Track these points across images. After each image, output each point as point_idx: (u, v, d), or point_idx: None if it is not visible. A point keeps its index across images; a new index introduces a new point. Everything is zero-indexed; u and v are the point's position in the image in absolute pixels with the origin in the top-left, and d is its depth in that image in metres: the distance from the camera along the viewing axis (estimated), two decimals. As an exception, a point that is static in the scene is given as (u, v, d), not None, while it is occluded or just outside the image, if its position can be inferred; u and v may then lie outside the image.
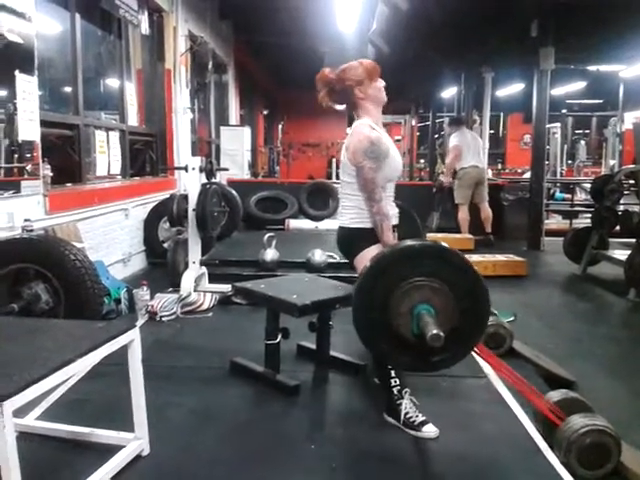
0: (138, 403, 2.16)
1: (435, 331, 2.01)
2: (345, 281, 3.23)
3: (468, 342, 2.26)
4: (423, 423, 2.41)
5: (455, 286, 2.16)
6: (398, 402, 2.46)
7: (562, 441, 2.18)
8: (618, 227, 5.97)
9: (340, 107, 2.80)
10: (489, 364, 2.64)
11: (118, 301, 4.05)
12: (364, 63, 2.70)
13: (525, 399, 2.52)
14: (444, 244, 2.33)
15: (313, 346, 3.22)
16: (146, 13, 6.00)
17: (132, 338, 2.09)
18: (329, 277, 3.57)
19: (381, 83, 2.71)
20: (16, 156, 3.81)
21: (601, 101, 16.79)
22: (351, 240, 2.69)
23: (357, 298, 2.23)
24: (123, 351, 2.08)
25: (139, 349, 2.14)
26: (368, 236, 2.61)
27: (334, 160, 18.11)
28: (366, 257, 2.53)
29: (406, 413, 2.44)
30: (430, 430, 2.39)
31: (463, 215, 7.55)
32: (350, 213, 2.67)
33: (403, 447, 2.34)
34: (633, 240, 5.50)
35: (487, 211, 7.64)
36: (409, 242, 2.31)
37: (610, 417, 2.29)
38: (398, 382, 2.49)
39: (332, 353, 3.19)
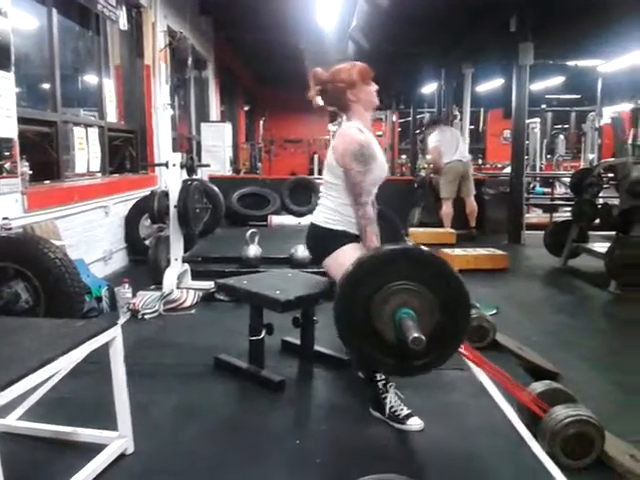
0: (121, 401, 2.13)
1: (416, 334, 2.01)
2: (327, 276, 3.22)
3: (452, 343, 2.26)
4: (408, 416, 2.42)
5: (435, 288, 2.16)
6: (383, 396, 2.47)
7: (546, 431, 2.20)
8: (598, 220, 6.04)
9: (330, 108, 2.79)
10: (470, 360, 2.65)
11: (99, 299, 4.01)
12: (357, 65, 2.70)
13: (508, 392, 2.53)
14: (422, 247, 2.33)
15: (297, 341, 3.21)
16: (124, 8, 5.93)
17: (114, 336, 2.07)
18: (312, 272, 3.56)
19: (373, 87, 2.71)
20: (-7, 154, 3.75)
21: (579, 96, 16.96)
22: (322, 240, 2.69)
23: (338, 304, 2.21)
24: (105, 349, 2.06)
25: (121, 347, 2.11)
26: (339, 238, 2.62)
27: (316, 156, 18.13)
28: (337, 258, 2.58)
29: (391, 407, 2.45)
30: (415, 423, 2.40)
31: (447, 210, 7.59)
32: (326, 213, 2.67)
33: (389, 440, 2.35)
34: (612, 233, 5.57)
35: (473, 205, 7.68)
36: (387, 247, 2.32)
37: (593, 407, 2.31)
38: (382, 376, 2.50)
39: (316, 348, 3.18)
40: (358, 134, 2.58)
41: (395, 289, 2.14)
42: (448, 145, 7.61)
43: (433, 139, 7.73)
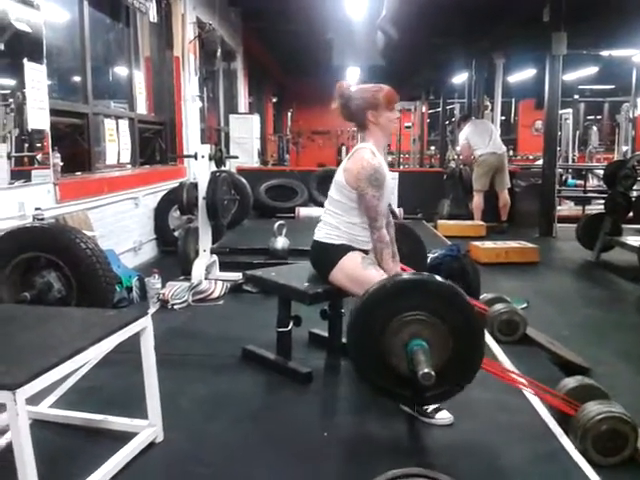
0: (151, 390, 2.16)
1: (426, 370, 2.00)
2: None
3: (467, 372, 2.24)
4: (436, 410, 2.40)
5: (447, 317, 2.15)
6: None
7: (578, 428, 2.16)
8: (631, 213, 5.91)
9: (349, 122, 2.82)
10: (493, 374, 2.60)
11: (130, 289, 4.06)
12: (384, 89, 2.71)
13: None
14: (436, 277, 2.30)
15: (325, 333, 3.21)
16: (154, 0, 5.96)
17: (144, 325, 2.09)
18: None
19: (396, 114, 2.73)
20: (26, 145, 3.80)
21: (613, 86, 16.57)
22: (324, 255, 2.73)
23: (353, 324, 2.22)
24: (135, 339, 2.08)
25: (152, 337, 2.13)
26: (340, 250, 2.67)
27: (344, 148, 18.06)
28: (343, 268, 2.64)
29: (420, 401, 2.43)
30: (444, 417, 2.38)
31: (478, 202, 7.49)
32: (328, 229, 2.73)
33: (416, 435, 2.34)
34: (647, 226, 5.45)
35: (506, 199, 7.57)
36: (401, 275, 2.36)
37: (626, 404, 2.26)
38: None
39: (344, 340, 3.17)
40: (372, 158, 2.61)
41: (406, 320, 2.15)
42: (480, 137, 7.50)
43: (463, 135, 7.67)
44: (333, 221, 2.71)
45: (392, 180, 2.82)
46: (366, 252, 2.73)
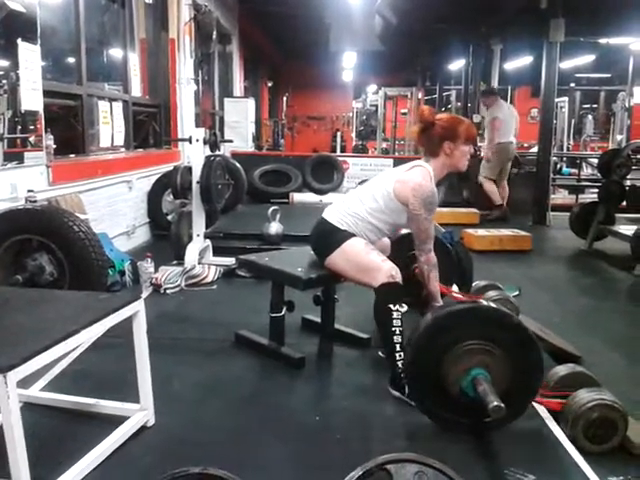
0: (143, 374, 2.15)
1: (496, 403, 1.99)
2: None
3: (522, 402, 2.23)
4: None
5: (509, 350, 2.15)
6: (403, 375, 2.46)
7: (569, 415, 2.17)
8: (625, 202, 5.92)
9: (420, 147, 2.83)
10: None
11: (122, 273, 4.05)
12: (466, 123, 2.72)
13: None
14: (503, 309, 2.29)
15: (318, 319, 3.21)
16: (149, -19, 5.90)
17: (137, 309, 2.08)
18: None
19: (471, 150, 2.72)
20: (19, 127, 3.77)
21: (609, 75, 16.55)
22: (327, 236, 2.71)
23: (413, 352, 2.21)
24: (127, 323, 2.07)
25: (144, 321, 2.13)
26: (344, 236, 2.65)
27: (339, 134, 17.99)
28: (344, 252, 2.63)
29: (411, 386, 2.43)
30: (435, 403, 2.39)
31: (493, 187, 7.33)
32: (342, 214, 2.71)
33: (408, 419, 2.34)
34: (640, 215, 5.47)
35: (506, 189, 7.50)
36: (463, 305, 2.33)
37: (616, 391, 2.28)
38: (403, 356, 2.48)
39: (337, 326, 3.18)
40: (429, 181, 2.62)
41: (465, 349, 2.14)
42: (506, 123, 7.29)
43: (496, 112, 7.26)
44: (354, 210, 2.68)
45: None
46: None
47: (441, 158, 2.69)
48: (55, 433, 2.15)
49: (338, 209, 2.75)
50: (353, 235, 2.66)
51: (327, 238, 2.72)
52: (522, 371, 2.17)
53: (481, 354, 2.14)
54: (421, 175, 2.62)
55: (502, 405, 1.99)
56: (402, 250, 3.05)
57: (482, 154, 7.50)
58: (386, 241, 2.93)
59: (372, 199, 2.68)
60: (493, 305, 2.33)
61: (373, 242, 2.72)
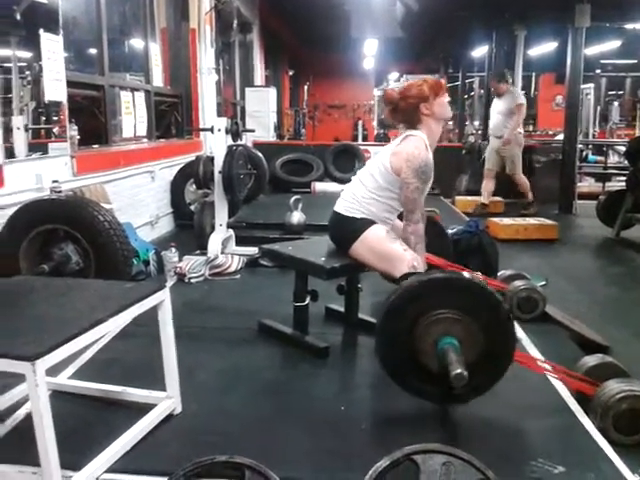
0: (169, 363, 2.16)
1: (459, 370, 1.99)
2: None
3: (494, 373, 2.22)
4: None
5: (481, 319, 2.13)
6: None
7: (598, 406, 2.14)
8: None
9: (401, 125, 2.80)
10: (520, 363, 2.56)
11: (147, 263, 4.08)
12: (428, 80, 2.72)
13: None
14: (471, 275, 2.32)
15: (341, 309, 3.20)
16: (170, -29, 5.89)
17: (162, 298, 2.09)
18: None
19: (446, 98, 2.71)
20: (43, 118, 3.80)
21: (636, 61, 16.21)
22: (343, 227, 2.72)
23: (383, 322, 2.21)
24: (152, 312, 2.08)
25: (170, 309, 2.13)
26: (361, 224, 2.65)
27: (360, 122, 17.90)
28: (365, 241, 2.63)
29: (437, 376, 2.41)
30: (462, 393, 2.36)
31: (525, 180, 7.02)
32: (349, 202, 2.72)
33: (434, 410, 2.32)
34: (669, 203, 5.36)
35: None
36: (438, 273, 2.34)
37: (646, 383, 2.24)
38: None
39: (360, 316, 3.17)
40: (424, 150, 2.59)
41: (437, 318, 2.13)
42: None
43: (522, 98, 6.86)
44: (359, 194, 2.69)
45: None
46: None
47: (425, 121, 2.68)
48: (83, 420, 2.17)
49: (345, 198, 2.77)
50: (371, 222, 2.65)
51: (344, 230, 2.72)
52: (494, 336, 2.14)
53: (450, 323, 2.12)
54: (414, 144, 2.60)
55: (464, 373, 1.99)
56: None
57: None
58: (398, 223, 2.87)
59: (371, 179, 2.68)
60: (462, 274, 2.33)
61: (390, 220, 2.71)
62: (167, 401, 2.17)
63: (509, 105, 6.79)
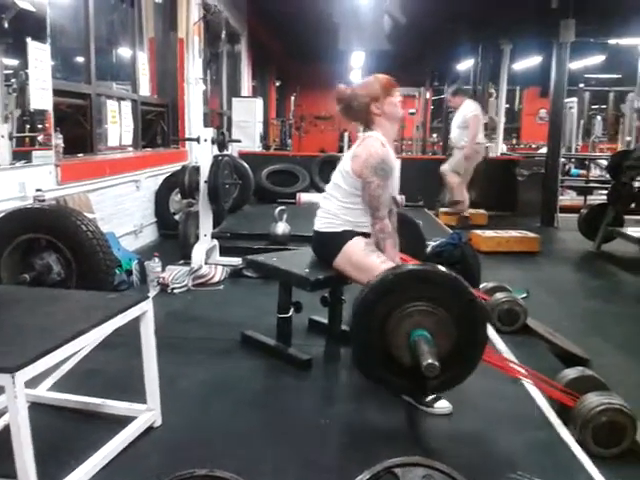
0: (150, 374, 2.15)
1: (430, 361, 2.01)
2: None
3: (467, 364, 2.25)
4: (436, 399, 2.39)
5: (453, 310, 2.16)
6: None
7: (578, 419, 2.16)
8: (634, 204, 5.88)
9: (354, 123, 2.84)
10: (492, 365, 2.59)
11: (129, 273, 4.05)
12: (380, 78, 2.72)
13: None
14: (437, 266, 2.31)
15: (325, 320, 3.20)
16: (159, -19, 5.90)
17: (145, 309, 2.08)
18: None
19: (397, 97, 2.70)
20: (28, 126, 3.78)
21: (619, 76, 16.45)
22: (326, 245, 2.73)
23: (356, 318, 2.23)
24: (134, 323, 2.07)
25: (152, 321, 2.13)
26: (342, 237, 2.66)
27: (346, 134, 17.95)
28: (346, 254, 2.64)
29: (419, 389, 2.42)
30: (443, 406, 2.38)
31: (456, 180, 6.96)
32: (327, 218, 2.74)
33: (415, 423, 2.33)
34: (650, 218, 5.43)
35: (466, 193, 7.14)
36: (407, 266, 2.36)
37: (625, 395, 2.26)
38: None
39: (344, 327, 3.17)
40: (380, 147, 2.61)
41: (409, 311, 2.15)
42: (481, 123, 7.07)
43: (472, 107, 6.90)
44: (332, 207, 2.71)
45: (396, 169, 2.80)
46: (367, 235, 2.72)
47: (378, 120, 2.69)
48: (62, 433, 2.15)
49: (321, 216, 2.79)
50: (351, 234, 2.66)
51: (327, 246, 2.74)
52: (467, 327, 2.17)
53: (422, 315, 2.15)
54: (371, 145, 2.62)
55: (436, 364, 2.01)
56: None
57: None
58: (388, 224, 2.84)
59: (338, 189, 2.70)
60: (432, 266, 2.34)
61: (369, 225, 2.71)
62: (147, 413, 2.16)
63: (464, 117, 6.86)
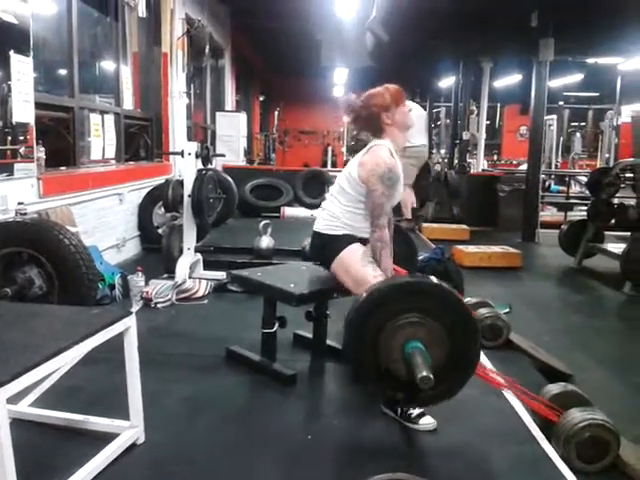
0: (133, 391, 2.13)
1: (425, 373, 2.02)
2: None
3: (461, 375, 2.25)
4: (420, 415, 2.40)
5: (445, 320, 2.17)
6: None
7: (561, 434, 2.17)
8: (613, 220, 5.97)
9: (364, 133, 2.82)
10: (480, 377, 2.61)
11: (112, 287, 4.01)
12: (390, 88, 2.72)
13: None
14: (433, 279, 2.31)
15: (310, 335, 3.20)
16: (143, -5, 5.92)
17: (128, 325, 2.06)
18: (326, 266, 3.54)
19: (407, 107, 2.73)
20: (9, 138, 3.74)
21: (598, 94, 16.77)
22: (325, 247, 2.70)
23: (349, 332, 2.23)
24: (118, 338, 2.05)
25: (135, 336, 2.11)
26: (341, 241, 2.64)
27: (329, 148, 18.06)
28: (343, 260, 2.61)
29: (403, 405, 2.42)
30: (427, 422, 2.38)
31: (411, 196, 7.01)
32: (328, 220, 2.71)
33: (400, 439, 2.33)
34: (628, 233, 5.51)
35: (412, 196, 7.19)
36: (398, 279, 2.37)
37: (607, 410, 2.28)
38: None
39: (329, 342, 3.17)
40: (389, 157, 2.60)
41: (401, 323, 2.15)
42: (417, 125, 6.90)
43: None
44: (335, 210, 2.68)
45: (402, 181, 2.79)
46: (367, 241, 2.70)
47: (388, 130, 2.69)
48: (44, 450, 2.11)
49: (323, 217, 2.75)
50: (350, 239, 2.64)
51: (326, 248, 2.71)
52: (460, 339, 2.18)
53: (415, 327, 2.15)
54: (379, 153, 2.62)
55: (431, 376, 2.02)
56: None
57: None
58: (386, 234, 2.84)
59: (343, 192, 2.68)
60: (426, 278, 2.35)
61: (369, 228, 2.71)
62: (130, 430, 2.13)
63: None
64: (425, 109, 15.46)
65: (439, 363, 2.14)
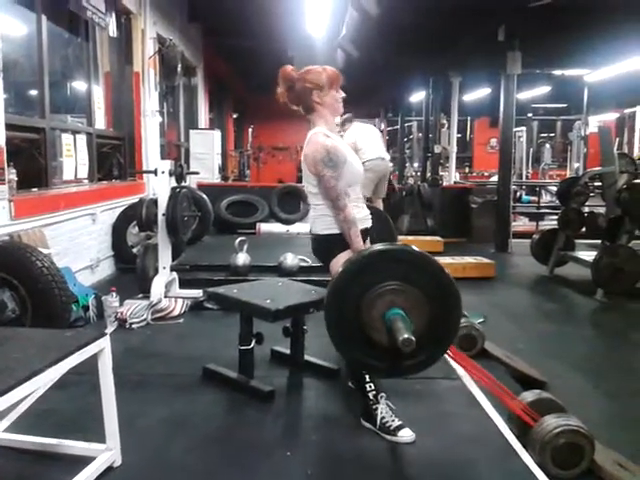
0: (109, 413, 2.11)
1: (406, 335, 2.02)
2: (317, 285, 3.22)
3: (442, 343, 2.27)
4: (399, 428, 2.41)
5: (425, 288, 2.17)
6: (374, 407, 2.46)
7: (536, 441, 2.20)
8: (584, 228, 6.09)
9: (295, 107, 2.80)
10: (462, 367, 2.67)
11: (86, 308, 3.97)
12: (327, 70, 2.72)
13: (499, 401, 2.54)
14: (412, 246, 2.32)
15: (287, 351, 3.20)
16: (114, 15, 5.89)
17: (102, 347, 2.05)
18: (301, 281, 3.55)
19: (340, 94, 2.73)
20: (-20, 160, 3.71)
21: (565, 105, 17.13)
22: (327, 246, 2.67)
23: (329, 304, 2.23)
24: (92, 360, 2.03)
25: (110, 358, 2.09)
26: (340, 241, 2.60)
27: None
28: (339, 261, 2.54)
29: (382, 418, 2.43)
30: (406, 435, 2.39)
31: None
32: (320, 222, 2.68)
33: (379, 452, 2.34)
34: (599, 241, 5.62)
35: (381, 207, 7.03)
36: (376, 246, 2.32)
37: (582, 416, 2.32)
38: (373, 387, 2.49)
39: (306, 358, 3.17)
40: (325, 140, 2.60)
41: (380, 291, 2.15)
42: (369, 141, 6.96)
43: (349, 137, 6.81)
44: (319, 213, 2.66)
45: (359, 164, 2.79)
46: (366, 230, 2.70)
47: (318, 110, 2.69)
48: (19, 475, 2.08)
49: (314, 219, 2.72)
50: (345, 245, 2.61)
51: (327, 250, 2.68)
52: (441, 306, 2.19)
53: (396, 294, 2.16)
54: (314, 141, 2.62)
55: (412, 338, 2.02)
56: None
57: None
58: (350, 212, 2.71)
59: (312, 195, 2.68)
60: (406, 246, 2.35)
61: (364, 217, 2.70)
62: (106, 453, 2.11)
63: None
64: (397, 123, 15.72)
65: (420, 330, 2.14)
